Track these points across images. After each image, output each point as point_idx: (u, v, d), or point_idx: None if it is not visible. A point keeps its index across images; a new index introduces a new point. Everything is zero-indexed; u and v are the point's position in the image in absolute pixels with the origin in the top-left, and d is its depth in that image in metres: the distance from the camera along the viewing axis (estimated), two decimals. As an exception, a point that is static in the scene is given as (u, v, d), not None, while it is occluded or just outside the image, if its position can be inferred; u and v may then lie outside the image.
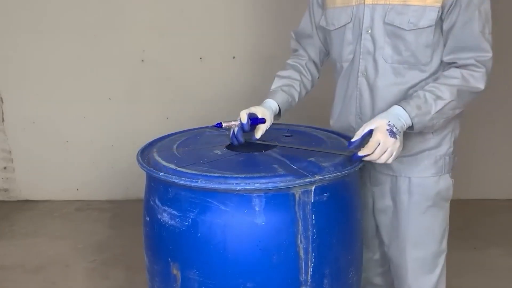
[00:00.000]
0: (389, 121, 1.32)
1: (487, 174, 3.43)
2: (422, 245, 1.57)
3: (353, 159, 1.31)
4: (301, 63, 1.71)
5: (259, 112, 1.50)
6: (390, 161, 1.33)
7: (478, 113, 3.11)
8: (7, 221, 3.27)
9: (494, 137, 3.37)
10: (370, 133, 1.32)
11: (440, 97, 1.38)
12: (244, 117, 1.45)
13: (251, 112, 1.48)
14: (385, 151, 1.30)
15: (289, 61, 1.73)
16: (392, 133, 1.31)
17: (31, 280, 2.55)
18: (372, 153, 1.30)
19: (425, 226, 1.56)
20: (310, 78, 1.72)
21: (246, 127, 1.45)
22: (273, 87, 1.66)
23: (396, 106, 1.38)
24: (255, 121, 1.47)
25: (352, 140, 1.33)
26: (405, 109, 1.36)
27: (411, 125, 1.37)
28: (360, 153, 1.30)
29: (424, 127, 1.41)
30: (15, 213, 3.38)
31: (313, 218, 1.24)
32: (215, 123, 1.46)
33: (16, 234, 3.09)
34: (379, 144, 1.30)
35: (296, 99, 1.67)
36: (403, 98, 1.47)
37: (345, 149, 1.36)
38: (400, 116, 1.35)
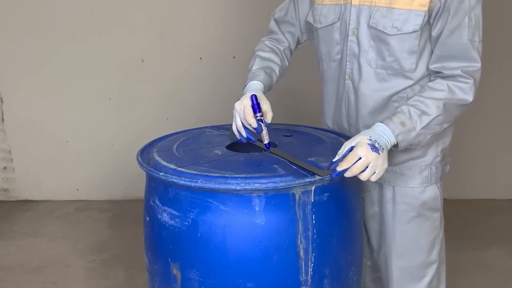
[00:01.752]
0: (370, 137, 1.25)
1: (487, 174, 3.43)
2: (407, 254, 1.54)
3: (333, 176, 1.21)
4: (279, 48, 1.64)
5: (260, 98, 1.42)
6: (373, 178, 1.25)
7: (478, 113, 3.11)
8: (7, 221, 3.26)
9: (494, 137, 3.37)
10: (351, 149, 1.24)
11: (425, 112, 1.31)
12: (254, 122, 1.38)
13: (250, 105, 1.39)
14: (366, 166, 1.22)
15: (267, 43, 1.64)
16: (373, 148, 1.23)
17: (31, 280, 2.55)
18: (353, 165, 1.21)
19: (411, 236, 1.52)
20: (287, 64, 1.65)
21: (259, 130, 1.38)
22: (255, 68, 1.57)
23: (379, 123, 1.31)
24: (258, 106, 1.38)
25: (334, 160, 1.24)
26: (388, 126, 1.29)
27: (396, 143, 1.30)
28: (339, 168, 1.21)
29: (410, 144, 1.34)
30: (15, 213, 3.38)
31: (313, 218, 1.24)
32: (266, 145, 1.40)
33: (16, 234, 3.08)
34: (360, 158, 1.22)
35: (274, 83, 1.59)
36: (385, 105, 1.44)
37: (327, 168, 1.26)
38: (383, 133, 1.28)
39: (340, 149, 1.27)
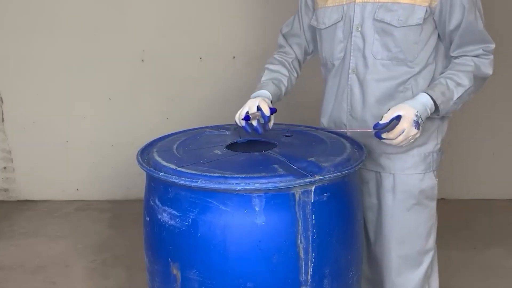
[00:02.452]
0: (417, 112, 1.40)
1: (487, 174, 3.43)
2: (406, 242, 1.60)
3: (377, 135, 1.42)
4: (287, 61, 1.76)
5: (267, 103, 1.55)
6: (402, 144, 1.42)
7: (478, 112, 3.11)
8: (7, 221, 3.26)
9: (493, 137, 3.37)
10: (397, 117, 1.40)
11: (460, 84, 1.47)
12: (267, 109, 1.51)
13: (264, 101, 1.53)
14: (405, 139, 1.40)
15: (277, 56, 1.78)
16: (416, 124, 1.40)
17: (31, 280, 2.55)
18: (396, 138, 1.40)
19: (410, 224, 1.59)
20: (295, 75, 1.78)
21: (267, 119, 1.51)
22: (263, 79, 1.70)
23: (423, 94, 1.46)
24: (270, 110, 1.53)
25: (380, 122, 1.41)
26: (431, 96, 1.44)
27: (433, 111, 1.45)
28: (385, 136, 1.41)
29: (447, 112, 1.51)
30: (15, 213, 3.38)
31: (313, 218, 1.24)
32: (244, 117, 1.49)
33: (16, 234, 3.08)
34: (403, 132, 1.39)
35: (283, 94, 1.72)
36: (391, 94, 1.53)
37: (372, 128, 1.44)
38: (426, 105, 1.43)
39: (386, 113, 1.42)
